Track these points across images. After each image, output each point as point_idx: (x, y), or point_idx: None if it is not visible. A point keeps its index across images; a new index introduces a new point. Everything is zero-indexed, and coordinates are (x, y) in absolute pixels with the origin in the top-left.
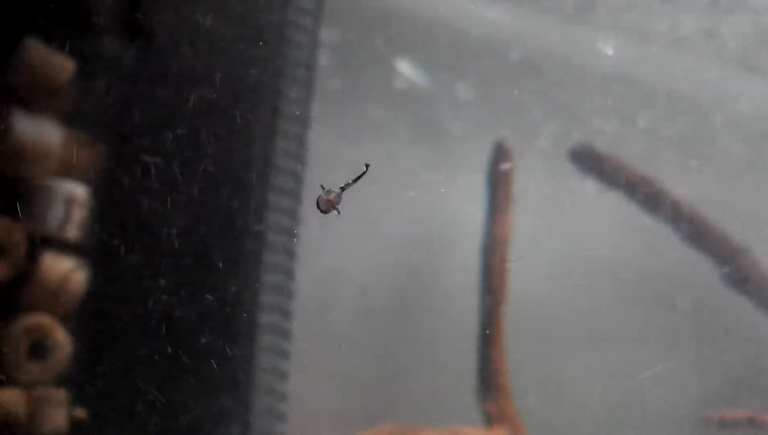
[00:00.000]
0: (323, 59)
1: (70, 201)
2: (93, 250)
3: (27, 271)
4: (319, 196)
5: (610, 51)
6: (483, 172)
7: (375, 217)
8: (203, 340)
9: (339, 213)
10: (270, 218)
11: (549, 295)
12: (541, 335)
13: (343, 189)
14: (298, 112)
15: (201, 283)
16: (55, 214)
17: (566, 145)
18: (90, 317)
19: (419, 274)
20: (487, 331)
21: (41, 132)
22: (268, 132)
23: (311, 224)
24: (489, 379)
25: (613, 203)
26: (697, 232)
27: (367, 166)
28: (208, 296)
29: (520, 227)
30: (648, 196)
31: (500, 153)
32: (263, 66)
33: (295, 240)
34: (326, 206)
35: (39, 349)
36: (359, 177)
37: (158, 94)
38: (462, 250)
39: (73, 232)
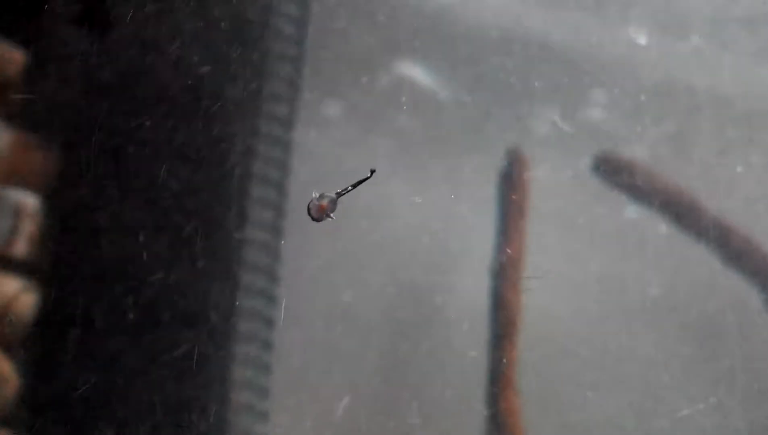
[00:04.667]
0: None
1: (19, 213)
2: (45, 268)
3: None
4: (311, 201)
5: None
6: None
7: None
8: (169, 365)
9: (333, 219)
10: (249, 225)
11: (573, 324)
12: (562, 371)
13: (339, 194)
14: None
15: (171, 305)
16: (0, 228)
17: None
18: (41, 345)
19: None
20: (501, 367)
21: None
22: (246, 132)
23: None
24: (499, 422)
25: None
26: (739, 252)
27: (372, 171)
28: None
29: (539, 244)
30: (683, 211)
31: (514, 161)
32: (240, 61)
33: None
34: (318, 213)
35: None
36: (361, 182)
37: (121, 90)
38: (467, 269)
39: (21, 249)
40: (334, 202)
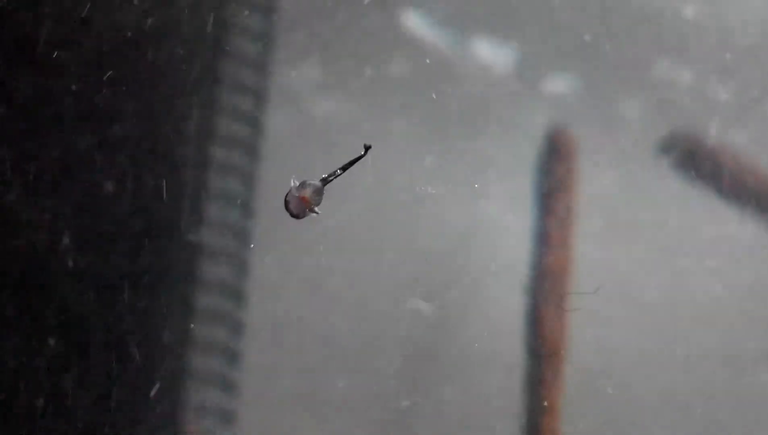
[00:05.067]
0: None
1: None
2: None
3: None
4: (289, 192)
5: None
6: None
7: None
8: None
9: (317, 214)
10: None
11: (631, 357)
12: (618, 418)
13: (326, 181)
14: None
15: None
16: None
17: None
18: None
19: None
20: (543, 402)
21: None
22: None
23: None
24: None
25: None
26: None
27: (366, 147)
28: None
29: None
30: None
31: (558, 146)
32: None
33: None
34: (298, 208)
35: None
36: (353, 162)
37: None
38: (495, 284)
39: None
40: (319, 193)
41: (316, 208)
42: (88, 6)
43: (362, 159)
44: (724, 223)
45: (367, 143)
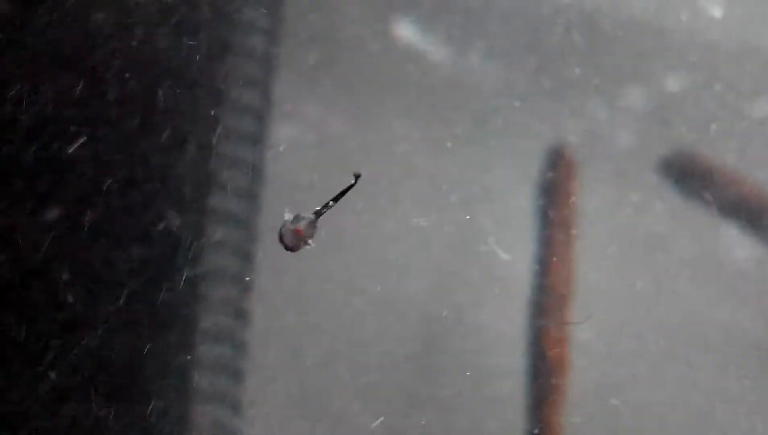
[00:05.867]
0: None
1: None
2: None
3: None
4: (283, 225)
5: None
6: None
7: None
8: None
9: (311, 246)
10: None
11: (630, 386)
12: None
13: (319, 214)
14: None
15: None
16: None
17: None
18: None
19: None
20: (536, 431)
21: None
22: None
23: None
24: None
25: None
26: None
27: (356, 176)
28: None
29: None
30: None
31: (559, 163)
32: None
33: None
34: (293, 241)
35: None
36: (344, 192)
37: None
38: (494, 309)
39: None
40: (312, 225)
41: (310, 241)
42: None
43: (353, 187)
44: (726, 241)
45: (357, 172)
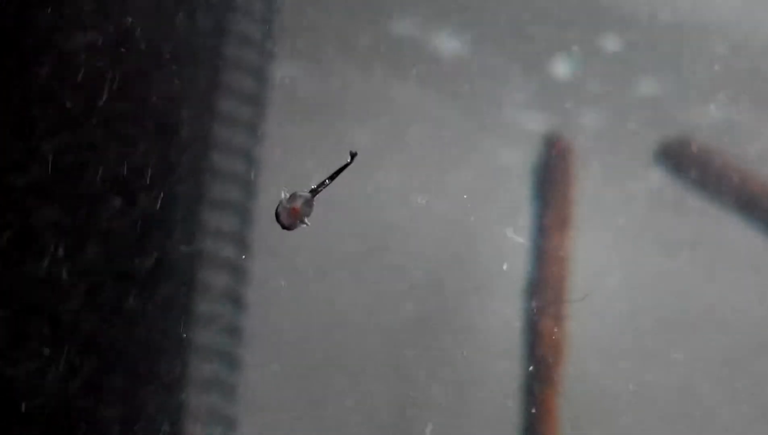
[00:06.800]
0: None
1: None
2: None
3: None
4: (280, 204)
5: None
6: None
7: None
8: None
9: (308, 226)
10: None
11: (625, 362)
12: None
13: (315, 192)
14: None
15: None
16: None
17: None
18: None
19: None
20: (533, 410)
21: None
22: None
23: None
24: None
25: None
26: None
27: (352, 154)
28: None
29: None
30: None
31: (557, 153)
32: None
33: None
34: (289, 219)
35: None
36: (341, 170)
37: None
38: (493, 291)
39: None
40: (309, 204)
41: (306, 220)
42: None
43: (349, 166)
44: (722, 227)
45: (353, 150)
